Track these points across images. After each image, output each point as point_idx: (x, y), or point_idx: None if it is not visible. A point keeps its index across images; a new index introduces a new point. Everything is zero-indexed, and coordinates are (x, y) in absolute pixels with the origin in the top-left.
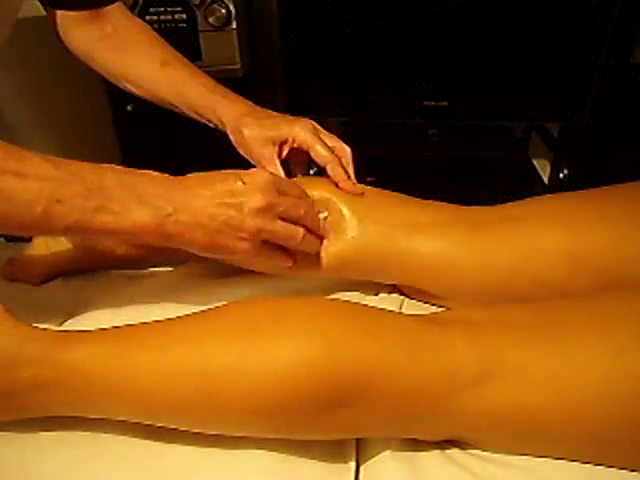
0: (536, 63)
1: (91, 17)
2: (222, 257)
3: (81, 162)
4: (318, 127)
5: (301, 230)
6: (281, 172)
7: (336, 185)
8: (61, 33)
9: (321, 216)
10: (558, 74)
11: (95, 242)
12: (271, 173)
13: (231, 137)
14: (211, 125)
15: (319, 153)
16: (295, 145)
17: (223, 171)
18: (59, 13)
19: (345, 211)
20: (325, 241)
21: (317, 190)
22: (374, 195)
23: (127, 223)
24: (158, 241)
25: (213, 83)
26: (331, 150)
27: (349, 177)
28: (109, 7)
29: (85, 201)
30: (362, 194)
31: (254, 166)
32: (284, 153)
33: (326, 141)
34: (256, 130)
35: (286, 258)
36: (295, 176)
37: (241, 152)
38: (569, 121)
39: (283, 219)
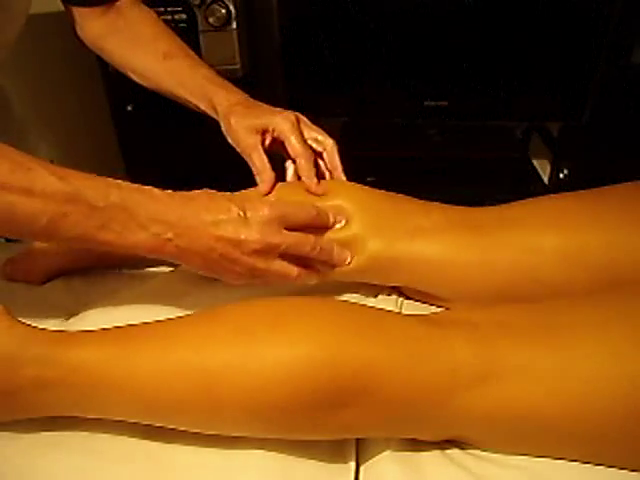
0: (536, 63)
1: (104, 12)
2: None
3: (87, 176)
4: (303, 119)
5: (294, 272)
6: (265, 160)
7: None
8: (76, 27)
9: (338, 226)
10: (558, 74)
11: None
12: (276, 204)
13: (221, 125)
14: (211, 115)
15: (292, 145)
16: (275, 135)
17: (228, 195)
18: (75, 8)
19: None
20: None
21: (335, 198)
22: (375, 198)
23: (128, 243)
24: (157, 258)
25: (213, 74)
26: (306, 145)
27: (332, 171)
28: (120, 1)
29: (88, 219)
30: (323, 195)
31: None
32: (266, 142)
33: (310, 134)
34: (242, 118)
35: (286, 280)
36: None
37: (229, 141)
38: (569, 121)
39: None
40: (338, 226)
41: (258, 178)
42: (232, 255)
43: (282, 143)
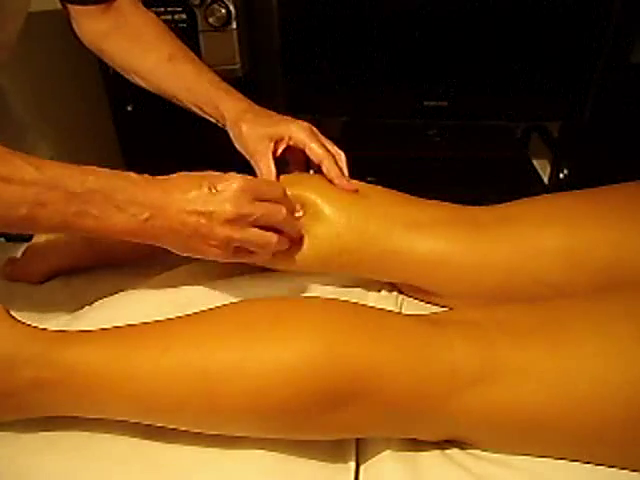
0: (536, 63)
1: (103, 11)
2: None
3: (64, 165)
4: (315, 130)
5: (274, 238)
6: (272, 167)
7: (330, 182)
8: (74, 26)
9: (296, 214)
10: (558, 74)
11: (95, 242)
12: (247, 178)
13: (230, 132)
14: (212, 120)
15: (314, 151)
16: (291, 143)
17: (201, 174)
18: (72, 7)
19: (335, 208)
20: (313, 235)
21: (305, 188)
22: (374, 193)
23: (107, 226)
24: (139, 241)
25: (218, 79)
26: (326, 149)
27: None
28: (120, 1)
29: (67, 206)
30: (356, 191)
31: (249, 166)
32: (279, 151)
33: (324, 143)
34: (254, 126)
35: (264, 258)
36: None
37: (237, 146)
38: (569, 121)
39: (258, 226)
40: (296, 214)
41: None
42: (205, 228)
43: (289, 151)
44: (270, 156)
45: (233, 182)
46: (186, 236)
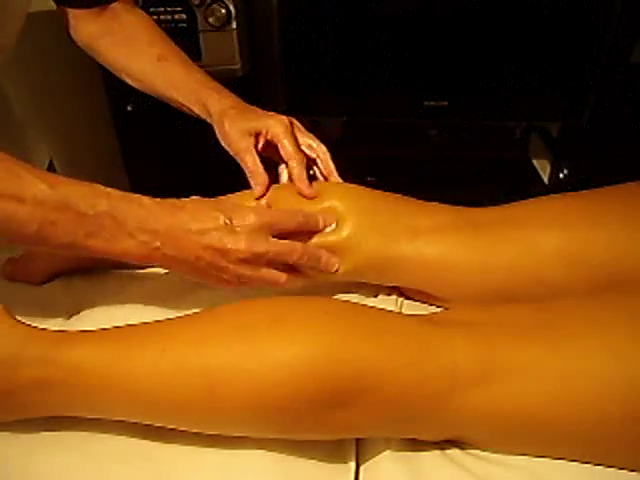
0: (536, 63)
1: (97, 13)
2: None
3: (76, 183)
4: (296, 124)
5: (283, 278)
6: (258, 162)
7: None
8: (69, 28)
9: (328, 229)
10: (558, 74)
11: None
12: (263, 212)
13: (216, 130)
14: (202, 117)
15: (285, 147)
16: (268, 137)
17: (216, 201)
18: (67, 9)
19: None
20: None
21: (328, 200)
22: (375, 198)
23: (116, 250)
24: (148, 264)
25: (207, 79)
26: (299, 149)
27: (328, 176)
28: (115, 4)
29: (77, 227)
30: (315, 197)
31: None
32: (260, 145)
33: (304, 139)
34: (236, 122)
35: (274, 286)
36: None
37: (222, 143)
38: (569, 121)
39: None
40: (328, 229)
41: (251, 181)
42: (219, 264)
43: (275, 147)
44: (254, 151)
45: (249, 216)
46: (198, 268)
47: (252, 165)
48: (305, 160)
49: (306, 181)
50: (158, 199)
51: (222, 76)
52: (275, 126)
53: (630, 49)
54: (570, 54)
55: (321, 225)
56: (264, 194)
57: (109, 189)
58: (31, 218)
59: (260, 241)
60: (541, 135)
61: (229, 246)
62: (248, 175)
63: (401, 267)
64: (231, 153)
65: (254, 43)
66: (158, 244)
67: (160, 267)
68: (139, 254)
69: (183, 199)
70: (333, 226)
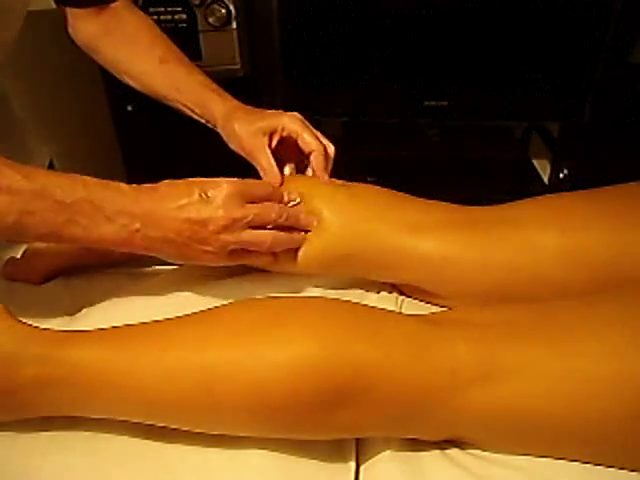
0: (536, 63)
1: (97, 13)
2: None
3: (53, 173)
4: (306, 122)
5: (269, 236)
6: (272, 161)
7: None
8: (68, 27)
9: (291, 204)
10: (558, 74)
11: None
12: (235, 182)
13: (222, 132)
14: (202, 121)
15: (306, 140)
16: (284, 134)
17: (188, 180)
18: (67, 8)
19: (334, 210)
20: (312, 237)
21: (303, 190)
22: (373, 194)
23: (95, 236)
24: (129, 251)
25: (209, 81)
26: (318, 139)
27: (319, 171)
28: (115, 3)
29: (55, 215)
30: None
31: (249, 166)
32: (274, 143)
33: (316, 134)
34: (246, 123)
35: (262, 258)
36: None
37: (232, 146)
38: (569, 121)
39: (253, 226)
40: (292, 203)
41: (265, 179)
42: (200, 235)
43: (282, 148)
44: (268, 150)
45: (223, 187)
46: (180, 244)
47: (267, 164)
48: (324, 151)
49: (325, 172)
50: (135, 185)
51: (222, 76)
52: (291, 122)
53: (629, 49)
54: (570, 54)
55: (285, 199)
56: None
57: (85, 177)
58: (8, 209)
59: (237, 206)
60: (541, 135)
61: (207, 215)
62: (262, 174)
63: (397, 262)
64: (242, 153)
65: (254, 43)
66: (138, 225)
67: (143, 253)
68: (119, 238)
69: (158, 182)
70: (297, 200)
